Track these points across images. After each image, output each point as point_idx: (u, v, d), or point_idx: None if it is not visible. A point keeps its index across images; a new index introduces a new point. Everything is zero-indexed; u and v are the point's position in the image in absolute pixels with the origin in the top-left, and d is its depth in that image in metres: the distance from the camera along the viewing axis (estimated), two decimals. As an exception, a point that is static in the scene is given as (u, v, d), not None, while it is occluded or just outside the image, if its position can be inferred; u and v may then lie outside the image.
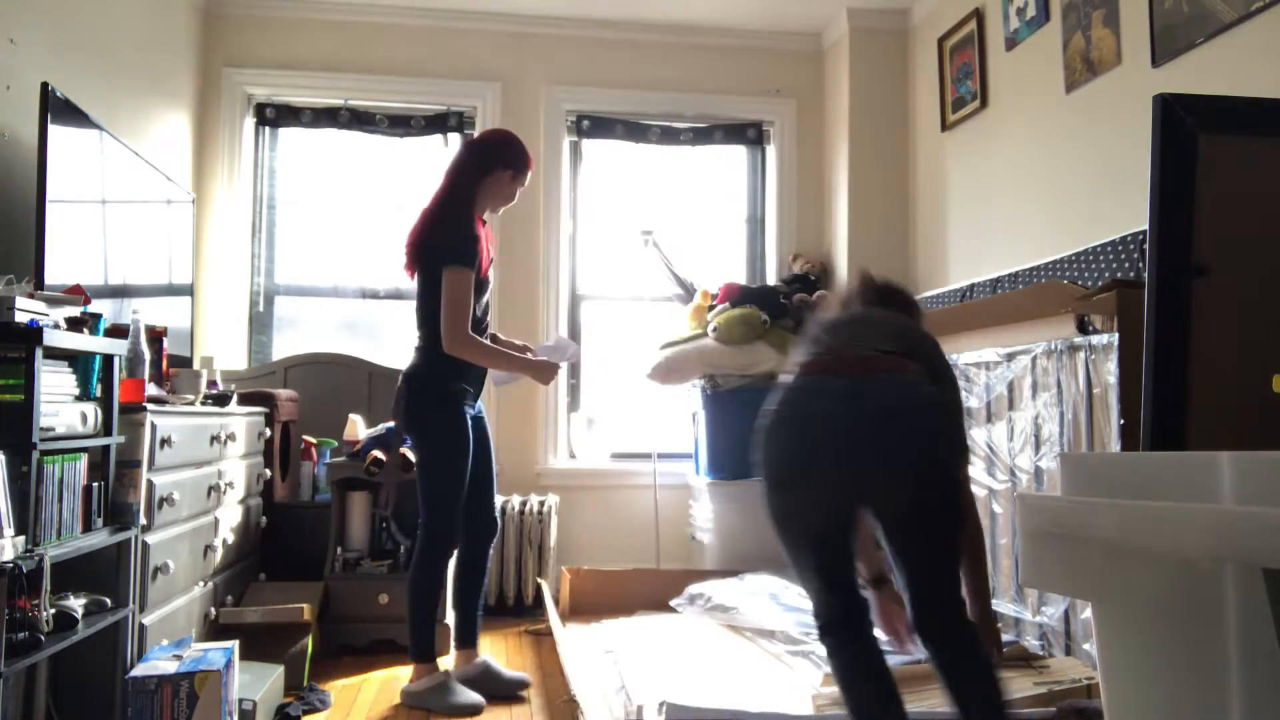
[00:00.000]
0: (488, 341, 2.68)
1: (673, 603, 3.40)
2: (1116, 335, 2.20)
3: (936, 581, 1.68)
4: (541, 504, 3.79)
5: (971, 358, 3.00)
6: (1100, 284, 2.50)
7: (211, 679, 2.02)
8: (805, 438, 1.68)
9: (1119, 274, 2.66)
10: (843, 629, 1.73)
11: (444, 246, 2.55)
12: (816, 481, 1.67)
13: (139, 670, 2.05)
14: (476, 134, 3.72)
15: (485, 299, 2.68)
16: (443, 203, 2.64)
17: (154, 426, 2.29)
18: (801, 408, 1.70)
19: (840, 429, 1.64)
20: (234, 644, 2.26)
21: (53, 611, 1.84)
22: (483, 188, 2.64)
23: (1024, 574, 1.13)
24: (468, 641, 2.74)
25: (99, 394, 2.10)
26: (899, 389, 1.66)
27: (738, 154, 4.51)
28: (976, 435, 2.95)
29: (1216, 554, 0.95)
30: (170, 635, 2.35)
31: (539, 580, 3.66)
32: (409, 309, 4.16)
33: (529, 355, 2.81)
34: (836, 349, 1.75)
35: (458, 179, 2.65)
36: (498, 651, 3.17)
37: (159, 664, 2.09)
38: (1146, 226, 1.78)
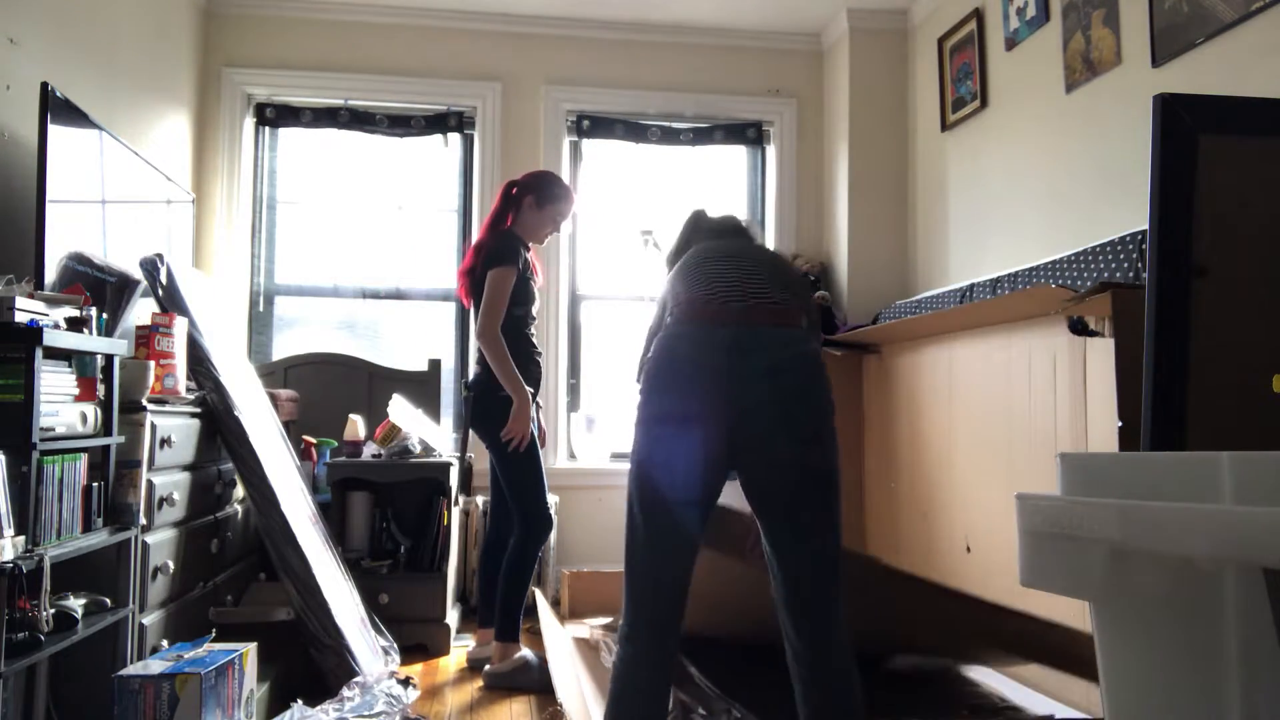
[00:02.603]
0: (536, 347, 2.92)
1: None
2: (1113, 337, 2.20)
3: (814, 567, 1.60)
4: (541, 504, 3.78)
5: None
6: (1094, 285, 2.49)
7: (192, 682, 2.01)
8: (688, 389, 1.61)
9: (1119, 274, 2.66)
10: (636, 640, 1.64)
11: (488, 252, 2.82)
12: (695, 434, 1.59)
13: (129, 670, 2.05)
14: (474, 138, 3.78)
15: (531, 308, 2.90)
16: (487, 230, 2.95)
17: (154, 426, 2.29)
18: (684, 358, 1.63)
19: (722, 382, 1.58)
20: (250, 646, 2.26)
21: (53, 611, 1.84)
22: (518, 218, 2.94)
23: (1023, 574, 1.13)
24: (491, 622, 2.93)
25: (99, 394, 2.10)
26: (783, 344, 1.61)
27: (738, 154, 4.51)
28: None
29: (1216, 554, 0.95)
30: (172, 635, 2.36)
31: (534, 589, 3.65)
32: (409, 309, 4.23)
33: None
34: (721, 295, 1.66)
35: (495, 214, 2.96)
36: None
37: (151, 664, 2.09)
38: (1146, 226, 1.78)
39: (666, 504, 1.63)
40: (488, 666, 2.87)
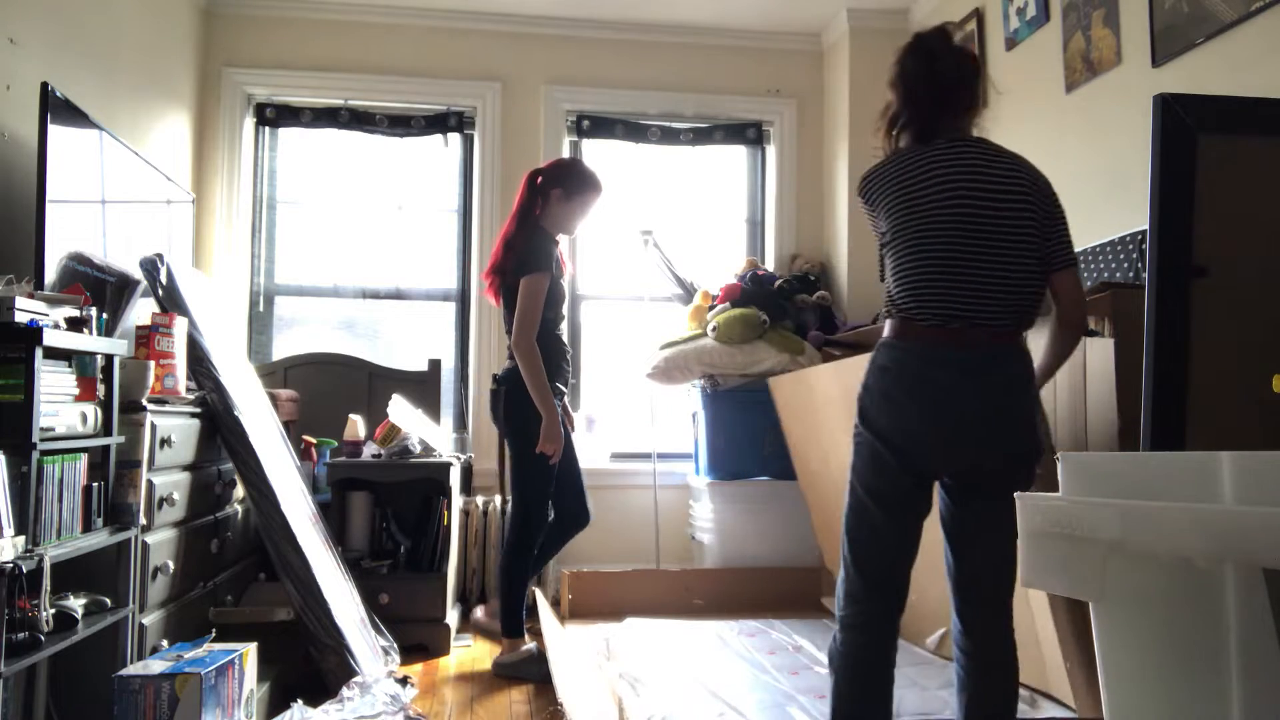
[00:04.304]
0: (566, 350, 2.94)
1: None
2: (1112, 337, 2.20)
3: (1000, 565, 1.71)
4: (541, 504, 3.78)
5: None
6: (1095, 285, 2.50)
7: (192, 682, 2.01)
8: (926, 407, 1.67)
9: (1119, 274, 2.66)
10: (884, 627, 1.72)
11: (517, 256, 2.78)
12: (927, 449, 1.68)
13: (129, 670, 2.05)
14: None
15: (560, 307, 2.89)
16: (515, 225, 2.87)
17: (154, 426, 2.29)
18: (923, 376, 1.69)
19: (958, 401, 1.66)
20: (250, 646, 2.26)
21: (53, 611, 1.84)
22: (546, 210, 2.87)
23: (1024, 574, 1.13)
24: (515, 631, 2.94)
25: (99, 394, 2.10)
26: (1009, 366, 1.70)
27: (738, 154, 4.51)
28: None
29: (1216, 554, 0.95)
30: (172, 635, 2.36)
31: (534, 589, 3.65)
32: (409, 309, 4.23)
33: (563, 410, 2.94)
34: (948, 313, 1.69)
35: (521, 206, 2.89)
36: (497, 651, 3.17)
37: (151, 664, 2.09)
38: (1146, 226, 1.78)
39: (896, 491, 1.72)
40: (496, 657, 2.94)
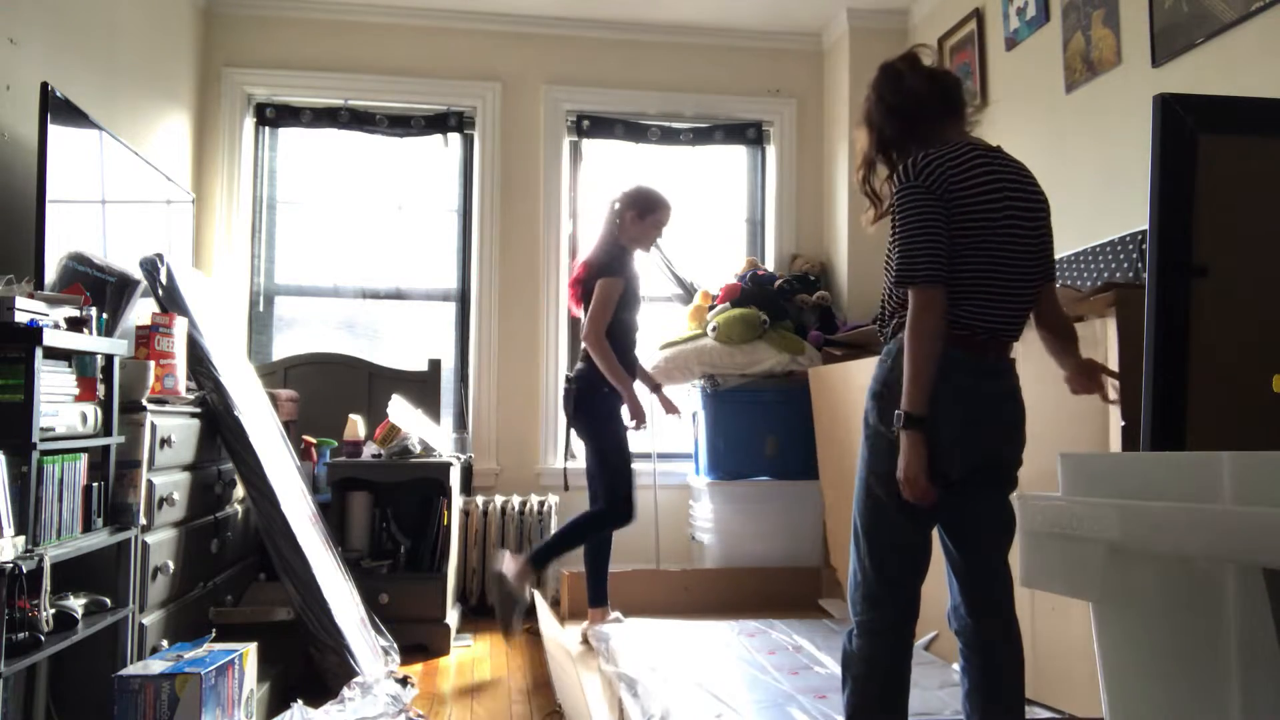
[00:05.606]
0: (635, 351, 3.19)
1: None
2: (1116, 336, 2.20)
3: (1002, 563, 1.76)
4: (541, 504, 3.79)
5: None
6: (1098, 285, 2.50)
7: (192, 682, 2.01)
8: (955, 411, 1.69)
9: (1119, 274, 2.66)
10: (903, 631, 1.74)
11: (597, 264, 3.11)
12: (951, 451, 1.68)
13: (129, 670, 2.05)
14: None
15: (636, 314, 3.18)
16: (597, 243, 3.21)
17: (154, 426, 2.29)
18: (952, 382, 1.69)
19: (984, 409, 1.72)
20: (250, 646, 2.26)
21: (53, 611, 1.85)
22: (624, 231, 3.18)
23: (1024, 574, 1.13)
24: (600, 601, 3.23)
25: (99, 394, 2.10)
26: (1014, 379, 1.79)
27: (738, 154, 4.51)
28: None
29: (1216, 554, 0.95)
30: (172, 635, 2.36)
31: (534, 591, 3.64)
32: (409, 309, 4.23)
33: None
34: (1002, 328, 1.73)
35: (606, 228, 3.22)
36: (497, 651, 3.18)
37: (151, 664, 2.09)
38: (1146, 226, 1.78)
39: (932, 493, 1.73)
40: (586, 626, 3.17)
